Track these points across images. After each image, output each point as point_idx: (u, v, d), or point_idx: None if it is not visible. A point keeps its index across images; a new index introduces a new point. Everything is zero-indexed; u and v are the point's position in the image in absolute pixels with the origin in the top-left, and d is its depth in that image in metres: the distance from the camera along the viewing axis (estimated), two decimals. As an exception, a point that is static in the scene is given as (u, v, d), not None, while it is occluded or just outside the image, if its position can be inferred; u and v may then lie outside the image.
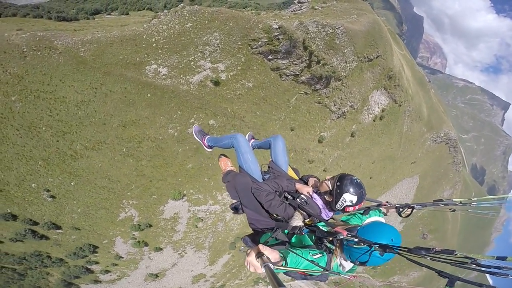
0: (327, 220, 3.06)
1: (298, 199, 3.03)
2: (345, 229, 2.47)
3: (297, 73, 29.77)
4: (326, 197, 3.02)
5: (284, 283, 1.47)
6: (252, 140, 4.66)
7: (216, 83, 25.74)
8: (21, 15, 36.19)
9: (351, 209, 2.89)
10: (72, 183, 24.19)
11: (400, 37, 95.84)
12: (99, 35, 23.66)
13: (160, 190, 26.85)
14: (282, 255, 2.17)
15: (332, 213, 3.11)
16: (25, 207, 24.27)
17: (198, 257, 34.51)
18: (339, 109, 34.90)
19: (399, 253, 1.99)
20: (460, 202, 3.26)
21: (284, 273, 2.42)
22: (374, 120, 40.91)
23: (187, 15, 25.35)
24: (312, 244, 2.74)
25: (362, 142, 40.91)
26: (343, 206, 2.87)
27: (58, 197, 24.50)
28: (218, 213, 31.08)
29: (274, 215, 3.13)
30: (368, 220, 2.91)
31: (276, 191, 3.18)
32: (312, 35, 30.17)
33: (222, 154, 4.21)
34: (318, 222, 2.95)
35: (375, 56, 37.27)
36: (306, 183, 3.45)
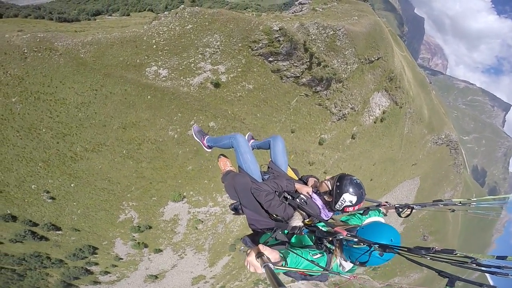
0: (327, 220, 3.06)
1: (297, 199, 3.03)
2: (345, 229, 2.47)
3: (298, 75, 29.71)
4: (326, 197, 3.02)
5: (285, 284, 1.47)
6: (252, 141, 4.68)
7: (217, 85, 25.70)
8: (22, 16, 36.22)
9: (350, 209, 2.89)
10: (72, 185, 24.17)
11: (401, 38, 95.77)
12: (100, 37, 23.64)
13: (160, 192, 26.81)
14: (282, 255, 2.17)
15: (332, 213, 3.10)
16: (25, 208, 24.26)
17: (198, 259, 34.45)
18: (340, 111, 34.82)
19: (398, 253, 1.99)
20: (460, 203, 3.26)
21: (284, 273, 2.41)
22: (375, 122, 40.82)
23: (188, 16, 25.32)
24: (312, 244, 2.73)
25: (363, 144, 40.81)
26: (342, 206, 2.87)
27: (58, 198, 24.48)
28: (218, 215, 31.02)
29: (274, 215, 3.13)
30: (368, 220, 2.89)
31: (275, 191, 3.18)
32: (313, 37, 30.10)
33: (221, 154, 4.20)
34: (317, 222, 2.95)
35: (376, 58, 37.18)
36: (306, 183, 3.44)
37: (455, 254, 1.88)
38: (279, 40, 27.23)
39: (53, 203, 24.58)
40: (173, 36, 24.63)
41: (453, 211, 3.45)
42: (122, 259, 31.03)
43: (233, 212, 3.54)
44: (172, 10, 26.67)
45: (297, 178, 3.72)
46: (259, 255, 1.88)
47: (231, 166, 3.97)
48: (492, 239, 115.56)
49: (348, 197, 2.81)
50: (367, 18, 38.06)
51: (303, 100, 31.45)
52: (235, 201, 3.45)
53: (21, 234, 25.22)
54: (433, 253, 1.90)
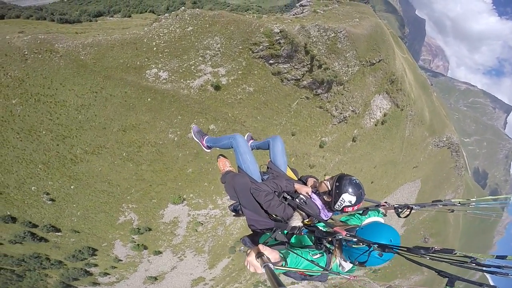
0: (326, 220, 3.07)
1: (297, 199, 3.04)
2: (344, 230, 2.47)
3: (299, 77, 29.64)
4: (325, 198, 3.02)
5: (285, 285, 1.47)
6: (251, 141, 4.71)
7: (217, 87, 25.64)
8: (24, 17, 36.30)
9: (350, 209, 2.90)
10: (71, 187, 24.16)
11: (402, 40, 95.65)
12: (100, 38, 23.63)
13: (160, 195, 26.77)
14: (282, 255, 2.18)
15: (331, 213, 3.11)
16: (24, 210, 24.26)
17: (197, 261, 34.39)
18: (341, 113, 34.72)
19: (398, 253, 1.98)
20: (459, 203, 3.26)
21: (284, 273, 2.42)
22: (375, 125, 40.68)
23: (188, 18, 25.28)
24: (312, 244, 2.74)
25: (364, 147, 40.68)
26: (342, 207, 2.88)
27: (57, 200, 24.47)
28: (218, 217, 30.95)
29: (273, 215, 3.14)
30: (367, 220, 2.89)
31: (275, 192, 3.19)
32: (314, 39, 30.04)
33: (220, 155, 4.20)
34: (317, 223, 2.96)
35: (377, 60, 37.09)
36: (305, 184, 3.44)
37: (455, 253, 1.88)
38: (279, 43, 27.17)
39: (53, 204, 24.56)
40: (174, 38, 24.59)
41: (453, 211, 3.47)
42: (121, 260, 31.00)
43: (234, 214, 3.54)
44: (173, 12, 26.64)
45: (296, 179, 3.73)
46: (259, 255, 1.89)
47: (230, 167, 3.97)
48: (493, 241, 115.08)
49: (347, 197, 2.81)
50: (368, 20, 37.99)
51: (303, 103, 31.37)
52: (235, 202, 3.46)
53: (21, 235, 25.22)
54: (432, 253, 1.89)
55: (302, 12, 36.51)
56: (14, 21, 33.21)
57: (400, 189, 53.40)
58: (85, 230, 26.99)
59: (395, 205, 3.30)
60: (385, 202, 3.37)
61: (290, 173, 3.83)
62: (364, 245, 2.20)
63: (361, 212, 3.11)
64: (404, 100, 45.02)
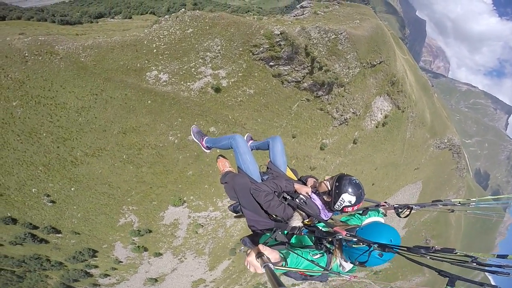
0: (326, 220, 3.06)
1: (297, 200, 3.04)
2: (344, 230, 2.46)
3: (299, 79, 29.57)
4: (325, 197, 3.02)
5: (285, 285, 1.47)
6: (251, 141, 4.72)
7: (217, 89, 25.60)
8: (25, 18, 36.39)
9: (349, 209, 2.90)
10: (72, 189, 24.16)
11: (402, 41, 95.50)
12: (100, 40, 23.65)
13: (160, 197, 26.74)
14: (282, 255, 2.17)
15: (331, 213, 3.10)
16: (25, 211, 24.28)
17: (198, 263, 34.34)
18: (342, 115, 34.61)
19: (398, 253, 1.98)
20: (459, 203, 3.24)
21: (284, 273, 2.41)
22: (376, 127, 40.55)
23: (188, 20, 25.27)
24: (312, 244, 2.73)
25: (365, 149, 40.56)
26: (341, 207, 2.87)
27: (58, 202, 24.48)
28: (219, 219, 30.90)
29: (273, 215, 3.14)
30: (367, 220, 2.89)
31: (275, 192, 3.19)
32: (314, 41, 29.98)
33: (220, 155, 4.21)
34: (317, 223, 2.96)
35: (378, 62, 37.01)
36: (305, 184, 3.44)
37: (455, 253, 1.88)
38: (280, 45, 27.12)
39: (53, 206, 24.58)
40: (174, 40, 24.59)
41: (453, 211, 3.46)
42: (121, 262, 30.98)
43: (235, 215, 3.53)
44: (173, 14, 26.64)
45: (296, 179, 3.72)
46: (259, 255, 1.89)
47: (230, 167, 3.96)
48: (495, 242, 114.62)
49: (347, 197, 2.81)
50: (369, 21, 37.93)
51: (304, 105, 31.30)
52: (235, 202, 3.45)
53: (21, 236, 25.26)
54: (432, 252, 1.88)
55: (303, 14, 36.46)
56: (15, 23, 33.31)
57: (401, 191, 53.22)
58: (86, 231, 26.99)
59: (395, 205, 3.29)
60: (385, 202, 3.36)
61: (289, 173, 3.83)
62: (364, 245, 2.20)
63: (361, 212, 3.10)
64: (405, 102, 44.89)
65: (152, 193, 26.32)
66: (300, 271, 2.46)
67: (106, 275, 32.01)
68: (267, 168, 3.79)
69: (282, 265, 2.13)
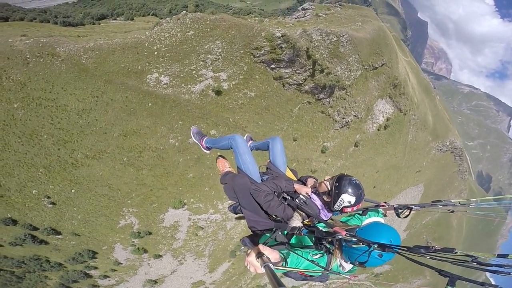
0: (326, 220, 3.06)
1: (297, 200, 3.04)
2: (344, 230, 2.45)
3: (300, 82, 29.47)
4: (325, 198, 3.02)
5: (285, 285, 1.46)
6: (250, 142, 4.73)
7: (218, 92, 25.55)
8: (28, 19, 36.47)
9: (349, 210, 2.90)
10: (72, 191, 24.16)
11: (404, 43, 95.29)
12: (101, 42, 23.67)
13: (161, 199, 26.71)
14: (282, 256, 2.18)
15: (331, 213, 3.10)
16: (25, 213, 24.30)
17: (197, 265, 34.26)
18: (343, 118, 34.46)
19: (398, 252, 1.98)
20: (459, 203, 3.24)
21: (284, 273, 2.41)
22: (378, 130, 40.36)
23: (189, 22, 25.24)
24: (312, 244, 2.73)
25: (366, 152, 40.38)
26: (341, 207, 2.87)
27: (58, 203, 24.50)
28: (219, 222, 30.83)
29: (273, 216, 3.14)
30: (367, 220, 2.85)
31: (274, 192, 3.19)
32: (316, 44, 29.89)
33: (220, 156, 4.21)
34: (317, 223, 2.95)
35: (380, 64, 36.86)
36: (305, 184, 3.44)
37: (455, 252, 1.87)
38: (281, 47, 27.04)
39: (54, 208, 24.60)
40: (175, 42, 24.57)
41: (452, 211, 3.46)
42: (121, 263, 30.96)
43: (236, 216, 3.54)
44: (174, 16, 26.59)
45: (296, 179, 3.73)
46: (259, 255, 1.89)
47: (229, 167, 3.94)
48: (497, 244, 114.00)
49: (347, 198, 2.80)
50: (371, 23, 37.81)
51: (305, 108, 31.19)
52: (234, 202, 3.45)
53: (21, 237, 25.28)
54: (432, 252, 1.87)
55: (304, 16, 36.37)
56: (18, 24, 33.40)
57: (402, 194, 52.99)
58: (86, 233, 26.99)
59: (394, 206, 3.28)
60: (385, 202, 3.34)
61: (289, 174, 3.83)
62: (364, 245, 2.19)
63: (360, 212, 3.08)
64: (407, 105, 44.68)
65: (152, 195, 26.29)
66: (300, 271, 2.46)
67: (105, 277, 31.99)
68: (267, 168, 3.80)
69: (282, 265, 2.13)
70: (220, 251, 33.90)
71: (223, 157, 4.16)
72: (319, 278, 2.68)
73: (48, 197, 23.90)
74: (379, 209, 3.27)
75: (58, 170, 23.07)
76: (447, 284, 1.79)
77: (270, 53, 26.71)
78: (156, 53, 24.09)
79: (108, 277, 32.24)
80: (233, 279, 38.50)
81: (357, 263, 2.41)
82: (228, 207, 3.67)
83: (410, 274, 63.19)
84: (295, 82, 29.20)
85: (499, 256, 1.90)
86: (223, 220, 30.84)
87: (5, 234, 25.28)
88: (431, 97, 64.77)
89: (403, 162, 48.97)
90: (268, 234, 2.96)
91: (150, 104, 23.74)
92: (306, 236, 2.84)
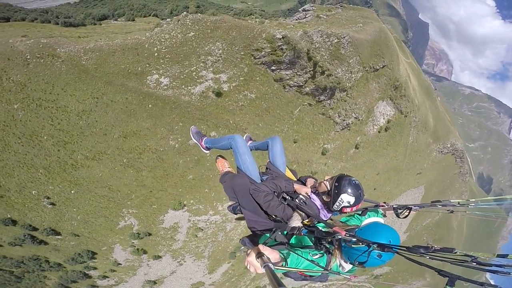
0: (326, 220, 3.06)
1: (296, 200, 3.04)
2: (344, 230, 2.45)
3: (301, 84, 29.41)
4: (324, 198, 3.02)
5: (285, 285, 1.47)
6: (250, 142, 4.77)
7: (218, 94, 25.51)
8: (29, 20, 36.40)
9: (348, 210, 2.90)
10: (72, 191, 24.16)
11: (405, 44, 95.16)
12: (102, 43, 23.65)
13: (160, 200, 26.68)
14: (282, 256, 2.18)
15: (330, 214, 3.10)
16: (25, 213, 24.31)
17: (197, 266, 34.23)
18: (344, 120, 34.37)
19: (397, 252, 1.97)
20: (458, 203, 3.24)
21: (284, 273, 2.42)
22: (379, 132, 40.24)
23: (190, 24, 25.21)
24: (312, 244, 2.73)
25: (367, 154, 40.28)
26: (340, 207, 2.88)
27: (58, 204, 24.50)
28: (219, 223, 30.79)
29: (273, 216, 3.14)
30: (367, 221, 2.87)
31: (274, 192, 3.19)
32: (317, 45, 29.82)
33: (219, 155, 4.20)
34: (317, 223, 2.95)
35: (381, 66, 36.75)
36: (304, 184, 3.45)
37: (455, 252, 1.87)
38: (282, 49, 26.98)
39: (53, 208, 24.60)
40: (175, 43, 24.53)
41: (452, 212, 3.47)
42: (120, 264, 30.95)
43: (236, 217, 3.54)
44: (174, 17, 26.56)
45: (295, 179, 3.73)
46: (259, 255, 1.89)
47: (229, 167, 3.95)
48: (498, 246, 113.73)
49: (346, 198, 2.81)
50: (372, 25, 37.71)
51: (306, 110, 31.12)
52: (234, 202, 3.44)
53: (21, 238, 25.28)
54: (432, 252, 1.87)
55: (305, 17, 36.30)
56: (19, 24, 33.39)
57: (403, 196, 52.86)
58: (85, 234, 26.99)
59: (394, 206, 3.28)
60: (384, 203, 3.34)
61: (289, 174, 3.82)
62: (364, 245, 2.19)
63: (360, 212, 3.08)
64: (408, 106, 44.55)
65: (152, 196, 26.27)
66: (300, 271, 2.46)
67: (104, 277, 31.99)
68: (267, 168, 3.80)
69: (282, 265, 2.13)
70: (220, 252, 33.86)
71: (223, 157, 4.16)
72: (318, 278, 2.68)
73: (48, 198, 23.90)
74: (378, 209, 3.27)
75: (58, 171, 23.07)
76: (446, 284, 1.78)
77: (271, 54, 26.66)
78: (156, 54, 24.07)
79: (107, 277, 32.23)
80: (232, 280, 38.44)
81: (356, 263, 2.41)
82: (227, 207, 3.66)
83: (410, 276, 63.11)
84: (295, 84, 29.14)
85: (498, 256, 1.90)
86: (222, 221, 30.80)
87: (4, 234, 25.29)
88: (432, 98, 64.60)
89: (403, 164, 48.84)
90: (268, 234, 2.95)
91: (150, 106, 23.72)
92: (306, 236, 2.84)
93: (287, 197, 3.12)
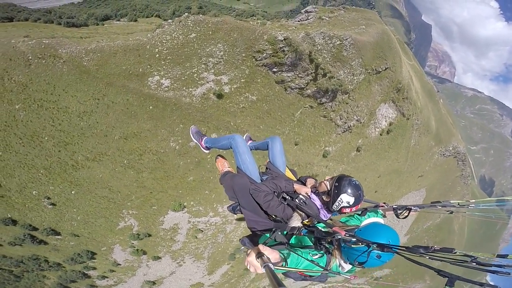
0: (325, 220, 3.05)
1: (296, 200, 3.04)
2: (343, 230, 2.45)
3: (303, 86, 29.28)
4: (324, 198, 3.02)
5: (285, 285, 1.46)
6: (250, 141, 4.76)
7: (219, 96, 25.45)
8: (32, 20, 36.49)
9: (347, 210, 2.89)
10: (72, 192, 24.18)
11: (408, 46, 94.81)
12: (103, 44, 23.64)
13: (161, 202, 26.66)
14: (282, 256, 2.18)
15: (330, 214, 3.10)
16: (25, 213, 24.36)
17: (196, 267, 34.22)
18: (345, 123, 34.22)
19: (397, 252, 1.97)
20: (458, 204, 3.22)
21: (283, 273, 2.42)
22: (381, 134, 40.04)
23: (191, 25, 25.16)
24: (311, 244, 2.73)
25: (368, 157, 40.10)
26: (339, 207, 2.87)
27: (58, 204, 24.53)
28: (219, 224, 30.74)
29: (273, 216, 3.13)
30: (367, 221, 2.87)
31: (274, 192, 3.19)
32: (319, 47, 29.70)
33: (219, 155, 4.19)
34: (316, 223, 2.96)
35: (384, 68, 36.56)
36: (304, 184, 3.44)
37: (455, 252, 1.86)
38: (283, 50, 26.88)
39: (54, 209, 24.64)
40: (176, 45, 24.49)
41: (451, 212, 3.47)
42: (120, 264, 30.97)
43: (236, 217, 3.47)
44: (176, 18, 26.54)
45: (295, 179, 3.72)
46: (259, 255, 1.89)
47: (229, 167, 3.95)
48: (499, 248, 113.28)
49: (346, 198, 2.80)
50: (375, 27, 37.54)
51: (307, 112, 30.99)
52: (234, 202, 3.43)
53: (21, 237, 25.34)
54: (432, 252, 1.86)
55: (307, 19, 36.18)
56: (22, 24, 33.50)
57: (404, 198, 52.63)
58: (85, 234, 27.01)
59: (393, 206, 3.27)
60: (384, 203, 3.32)
61: (289, 174, 3.81)
62: (363, 245, 2.18)
63: (360, 212, 3.07)
64: (410, 109, 44.32)
65: (152, 198, 26.25)
66: (299, 271, 2.46)
67: (104, 277, 32.02)
68: (266, 168, 3.79)
69: (282, 265, 2.13)
70: (219, 253, 33.82)
71: (223, 157, 4.14)
72: (318, 278, 2.67)
73: (48, 198, 23.94)
74: (378, 210, 3.24)
75: (58, 172, 23.09)
76: (445, 284, 1.77)
77: (272, 56, 26.56)
78: (157, 55, 24.04)
79: (107, 277, 32.26)
80: (231, 282, 38.40)
81: (356, 263, 2.39)
82: (227, 207, 3.64)
83: (410, 278, 62.91)
84: (297, 86, 29.02)
85: (498, 256, 1.89)
86: (222, 223, 30.75)
87: (4, 234, 25.35)
88: (434, 101, 64.29)
89: (405, 167, 48.61)
90: (268, 234, 2.95)
91: (151, 107, 23.69)
92: (306, 236, 2.84)
93: (287, 197, 3.11)
